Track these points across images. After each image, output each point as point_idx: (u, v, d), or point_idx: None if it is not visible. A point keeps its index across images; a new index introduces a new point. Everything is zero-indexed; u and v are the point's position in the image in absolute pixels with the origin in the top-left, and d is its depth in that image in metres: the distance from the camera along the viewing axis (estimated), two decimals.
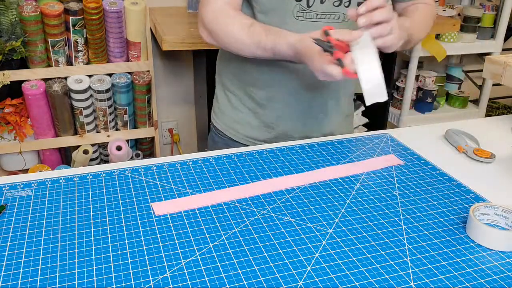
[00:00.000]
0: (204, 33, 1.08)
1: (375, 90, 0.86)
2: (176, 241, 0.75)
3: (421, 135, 1.16)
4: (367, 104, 0.86)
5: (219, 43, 1.07)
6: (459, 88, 2.91)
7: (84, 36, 2.01)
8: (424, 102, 2.72)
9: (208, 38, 1.08)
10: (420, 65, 2.77)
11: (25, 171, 2.15)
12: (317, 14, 1.03)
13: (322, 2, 1.02)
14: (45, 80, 2.03)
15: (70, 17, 1.94)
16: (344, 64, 0.85)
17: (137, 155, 2.33)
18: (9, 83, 1.93)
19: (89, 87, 2.09)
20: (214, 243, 0.75)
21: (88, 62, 2.10)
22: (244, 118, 1.19)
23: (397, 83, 2.71)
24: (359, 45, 0.86)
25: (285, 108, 1.14)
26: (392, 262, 0.72)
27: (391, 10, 0.88)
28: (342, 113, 1.23)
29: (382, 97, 0.86)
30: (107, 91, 2.09)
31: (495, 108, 3.09)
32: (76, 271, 0.69)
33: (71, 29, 1.97)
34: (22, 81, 2.00)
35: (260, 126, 1.18)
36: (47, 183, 0.91)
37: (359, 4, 0.92)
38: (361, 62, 0.85)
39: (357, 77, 0.86)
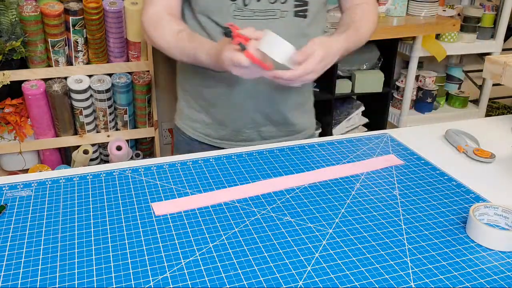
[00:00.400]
0: (145, 35, 1.13)
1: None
2: (176, 241, 0.75)
3: (421, 135, 1.16)
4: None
5: (155, 46, 1.11)
6: (459, 88, 2.92)
7: (84, 36, 2.01)
8: (424, 102, 2.72)
9: (148, 40, 1.12)
10: (420, 65, 2.77)
11: (25, 171, 2.15)
12: (254, 12, 1.04)
13: (258, 0, 1.03)
14: (45, 80, 2.03)
15: (70, 17, 1.94)
16: (246, 47, 0.88)
17: (137, 155, 2.33)
18: (9, 83, 1.93)
19: (89, 87, 2.09)
20: (214, 243, 0.75)
21: (88, 62, 2.10)
22: (199, 116, 1.20)
23: (397, 83, 2.71)
24: (267, 44, 0.89)
25: (233, 105, 1.14)
26: (392, 262, 0.72)
27: (311, 60, 0.92)
28: (294, 104, 1.19)
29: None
30: (107, 91, 2.09)
31: (495, 108, 3.09)
32: (76, 271, 0.69)
33: (71, 29, 1.97)
34: (22, 81, 2.00)
35: (213, 123, 1.19)
36: (47, 183, 0.91)
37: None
38: (271, 51, 0.88)
39: (263, 64, 0.89)
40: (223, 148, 1.16)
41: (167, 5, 1.09)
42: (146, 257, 0.72)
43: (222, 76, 1.09)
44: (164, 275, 0.68)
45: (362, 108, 2.57)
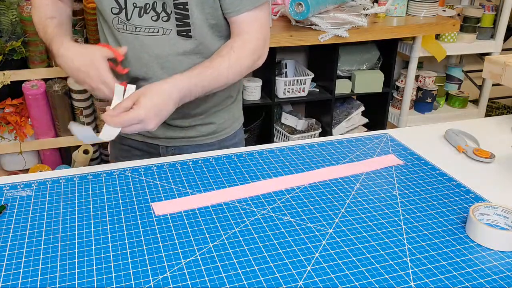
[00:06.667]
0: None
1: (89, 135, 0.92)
2: (176, 241, 0.75)
3: (421, 135, 1.16)
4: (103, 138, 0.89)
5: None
6: (459, 88, 2.92)
7: (84, 36, 2.01)
8: (424, 102, 2.72)
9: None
10: (420, 65, 2.77)
11: (25, 171, 2.15)
12: (136, 28, 1.01)
13: (140, 16, 1.01)
14: (45, 80, 2.03)
15: None
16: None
17: None
18: (9, 83, 1.93)
19: None
20: (214, 243, 0.75)
21: None
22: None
23: (397, 83, 2.71)
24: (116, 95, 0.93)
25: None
26: (392, 262, 0.72)
27: (135, 115, 0.87)
28: (193, 114, 1.12)
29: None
30: None
31: (495, 108, 3.09)
32: (76, 271, 0.69)
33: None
34: (22, 81, 2.00)
35: None
36: (47, 183, 0.91)
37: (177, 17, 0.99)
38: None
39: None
40: (136, 149, 1.16)
41: None
42: (146, 257, 0.72)
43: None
44: (164, 275, 0.68)
45: (362, 108, 2.58)
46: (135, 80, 1.06)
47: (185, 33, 1.01)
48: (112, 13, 1.01)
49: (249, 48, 1.02)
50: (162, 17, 1.00)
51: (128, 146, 1.19)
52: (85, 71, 0.94)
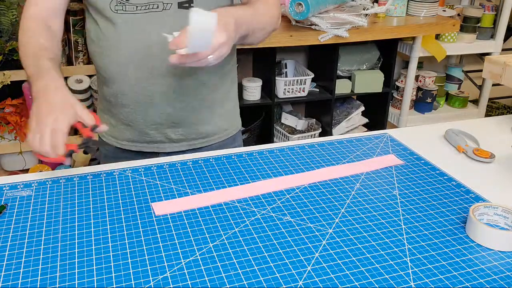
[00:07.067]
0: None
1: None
2: (176, 241, 0.75)
3: (421, 135, 1.16)
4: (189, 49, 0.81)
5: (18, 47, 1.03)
6: (459, 88, 2.92)
7: (84, 36, 2.01)
8: (424, 102, 2.72)
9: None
10: (420, 65, 2.77)
11: (25, 171, 2.15)
12: (136, 7, 0.99)
13: None
14: None
15: (70, 17, 1.94)
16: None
17: None
18: (9, 83, 1.93)
19: (90, 87, 2.09)
20: (214, 243, 0.75)
21: (89, 62, 2.10)
22: (104, 117, 1.14)
23: (397, 83, 2.71)
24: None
25: (132, 104, 1.08)
26: (392, 262, 0.72)
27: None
28: (198, 106, 1.11)
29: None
30: None
31: (495, 108, 3.09)
32: (76, 271, 0.69)
33: (71, 29, 1.97)
34: (23, 81, 2.00)
35: (118, 124, 1.13)
36: (47, 183, 0.91)
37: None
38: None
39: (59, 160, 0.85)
40: (134, 152, 1.13)
41: (51, 7, 1.03)
42: (146, 257, 0.72)
43: (118, 72, 1.04)
44: (164, 275, 0.68)
45: (362, 108, 2.58)
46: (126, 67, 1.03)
47: (186, 4, 1.00)
48: None
49: (272, 4, 1.06)
50: None
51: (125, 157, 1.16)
52: (51, 110, 0.84)
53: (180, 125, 1.10)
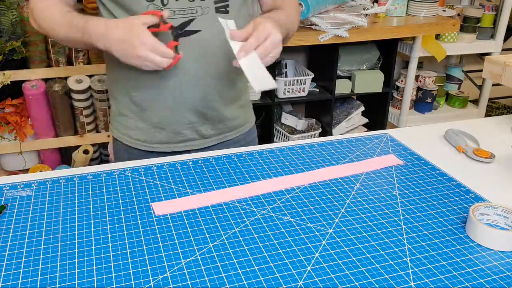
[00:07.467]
0: (31, 19, 1.08)
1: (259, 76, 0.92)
2: (176, 241, 0.75)
3: (421, 135, 1.16)
4: (257, 90, 0.91)
5: (41, 28, 1.06)
6: (459, 88, 2.92)
7: None
8: (424, 102, 2.73)
9: (34, 24, 1.08)
10: (420, 65, 2.77)
11: (25, 171, 2.15)
12: (174, 12, 1.00)
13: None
14: (46, 80, 2.03)
15: None
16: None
17: None
18: (9, 83, 1.93)
19: (90, 87, 2.09)
20: (214, 243, 0.75)
21: (89, 62, 2.10)
22: (132, 122, 1.13)
23: (397, 83, 2.71)
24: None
25: (166, 107, 1.09)
26: (392, 262, 0.72)
27: (261, 29, 0.94)
28: (228, 99, 1.15)
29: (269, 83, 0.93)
30: (107, 91, 2.09)
31: (495, 108, 3.09)
32: (76, 271, 0.69)
33: None
34: (23, 81, 2.00)
35: (148, 128, 1.12)
36: (47, 183, 0.91)
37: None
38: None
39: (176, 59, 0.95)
40: (164, 153, 1.12)
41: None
42: (146, 257, 0.72)
43: (150, 77, 1.05)
44: (164, 275, 0.68)
45: (362, 108, 2.58)
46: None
47: (223, 9, 1.04)
48: (147, 0, 0.99)
49: (295, 6, 1.18)
50: None
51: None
52: (127, 39, 0.92)
53: (211, 121, 1.14)
